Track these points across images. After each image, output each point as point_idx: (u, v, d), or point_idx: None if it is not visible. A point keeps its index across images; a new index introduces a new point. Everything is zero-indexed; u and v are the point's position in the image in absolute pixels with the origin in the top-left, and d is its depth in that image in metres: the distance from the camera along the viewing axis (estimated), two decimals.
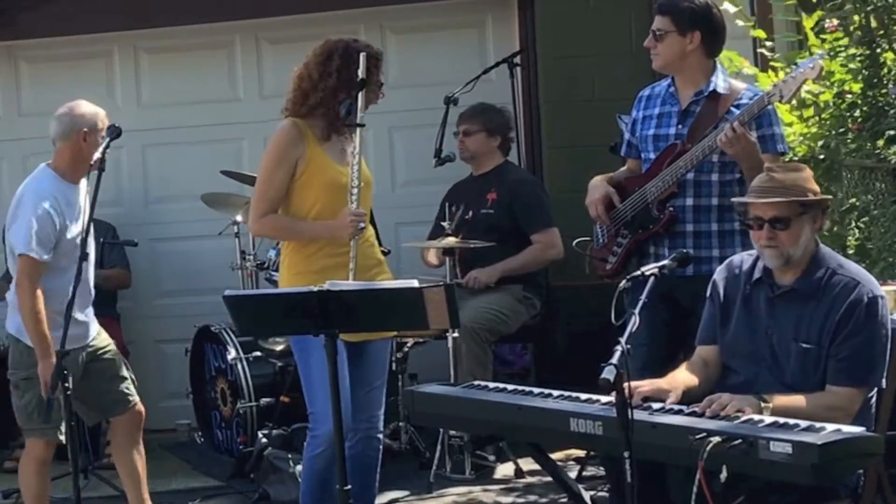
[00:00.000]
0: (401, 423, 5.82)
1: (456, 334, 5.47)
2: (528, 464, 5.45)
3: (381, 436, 4.46)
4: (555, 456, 4.17)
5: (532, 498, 5.32)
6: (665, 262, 3.67)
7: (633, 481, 3.15)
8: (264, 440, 5.54)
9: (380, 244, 4.63)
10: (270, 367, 5.95)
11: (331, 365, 3.76)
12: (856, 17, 5.33)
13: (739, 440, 3.10)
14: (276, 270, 5.24)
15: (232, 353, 5.94)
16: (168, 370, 6.86)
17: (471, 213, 5.96)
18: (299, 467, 4.85)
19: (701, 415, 3.37)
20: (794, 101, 5.13)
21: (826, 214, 3.73)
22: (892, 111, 5.15)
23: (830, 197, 3.72)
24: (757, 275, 3.73)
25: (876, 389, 3.61)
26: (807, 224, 3.60)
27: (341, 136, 4.38)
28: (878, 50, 5.26)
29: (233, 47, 7.02)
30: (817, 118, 5.46)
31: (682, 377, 3.70)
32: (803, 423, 3.19)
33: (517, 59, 6.57)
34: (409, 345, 5.82)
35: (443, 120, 6.20)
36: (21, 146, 7.06)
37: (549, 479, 4.78)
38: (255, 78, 6.97)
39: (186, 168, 6.92)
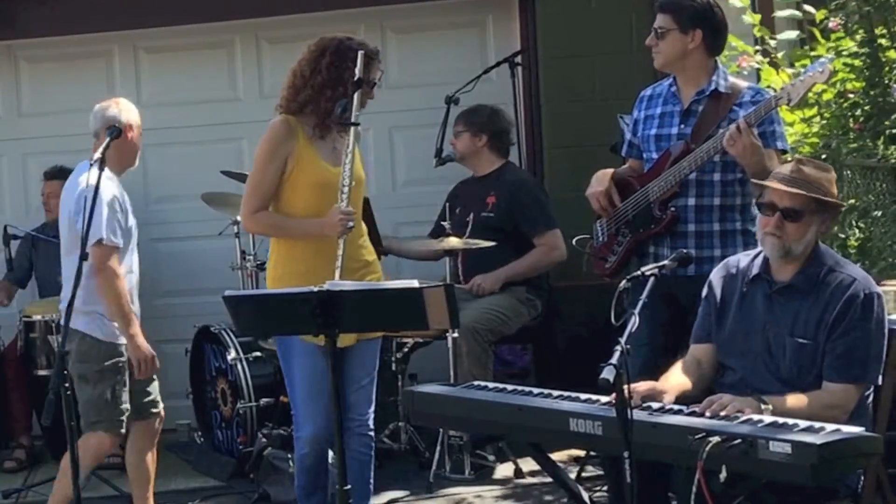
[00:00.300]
0: (401, 423, 5.82)
1: (456, 334, 5.46)
2: (527, 464, 5.44)
3: (372, 433, 4.48)
4: (555, 456, 4.16)
5: (532, 498, 5.32)
6: (665, 262, 3.67)
7: (632, 481, 3.15)
8: (264, 440, 5.54)
9: (379, 244, 4.62)
10: (270, 367, 5.94)
11: (332, 364, 3.76)
12: (857, 17, 5.32)
13: (739, 440, 3.10)
14: None
15: (232, 354, 5.94)
16: (168, 370, 6.82)
17: (471, 215, 5.95)
18: None
19: (701, 415, 3.37)
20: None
21: (835, 220, 3.74)
22: (893, 111, 5.14)
23: (845, 204, 3.71)
24: (755, 271, 3.74)
25: (872, 387, 3.61)
26: (815, 223, 3.62)
27: (333, 134, 4.37)
28: (880, 49, 5.25)
29: (233, 47, 7.02)
30: (819, 117, 5.46)
31: (676, 380, 3.71)
32: (803, 423, 3.19)
33: (518, 59, 6.57)
34: (409, 345, 5.82)
35: (443, 120, 6.20)
36: (21, 146, 7.06)
37: (549, 479, 4.78)
38: (254, 78, 6.97)
39: (186, 168, 6.92)
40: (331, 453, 5.17)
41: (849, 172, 5.22)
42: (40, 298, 6.59)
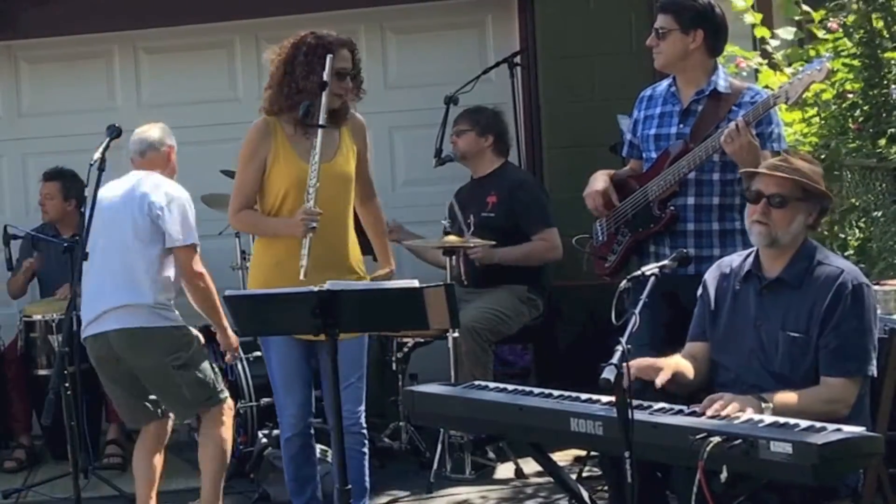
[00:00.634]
0: (401, 423, 5.82)
1: (456, 334, 5.46)
2: (528, 464, 5.44)
3: (364, 431, 4.51)
4: (555, 456, 4.16)
5: (532, 498, 5.32)
6: (665, 262, 3.68)
7: (633, 481, 3.16)
8: (264, 440, 5.53)
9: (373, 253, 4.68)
10: None
11: (331, 365, 3.76)
12: (857, 17, 5.32)
13: (740, 440, 3.10)
14: None
15: None
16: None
17: (472, 216, 5.95)
18: None
19: (701, 415, 3.37)
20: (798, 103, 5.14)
21: (825, 215, 3.75)
22: (893, 111, 5.14)
23: (832, 198, 3.72)
24: (747, 268, 3.75)
25: (869, 382, 3.61)
26: (802, 213, 3.63)
27: (318, 132, 4.39)
28: (879, 49, 5.25)
29: (233, 47, 7.02)
30: (818, 117, 5.46)
31: (674, 359, 3.72)
32: (803, 423, 3.19)
33: (517, 59, 6.58)
34: (409, 345, 5.82)
35: (443, 120, 6.20)
36: (21, 146, 7.08)
37: (550, 479, 4.79)
38: (254, 78, 6.96)
39: (186, 168, 6.88)
40: (330, 452, 5.22)
41: (848, 172, 5.22)
42: (41, 298, 6.60)
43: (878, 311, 3.70)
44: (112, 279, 4.91)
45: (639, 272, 3.59)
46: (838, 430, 3.14)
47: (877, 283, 4.40)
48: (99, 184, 4.75)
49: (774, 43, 5.75)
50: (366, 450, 4.53)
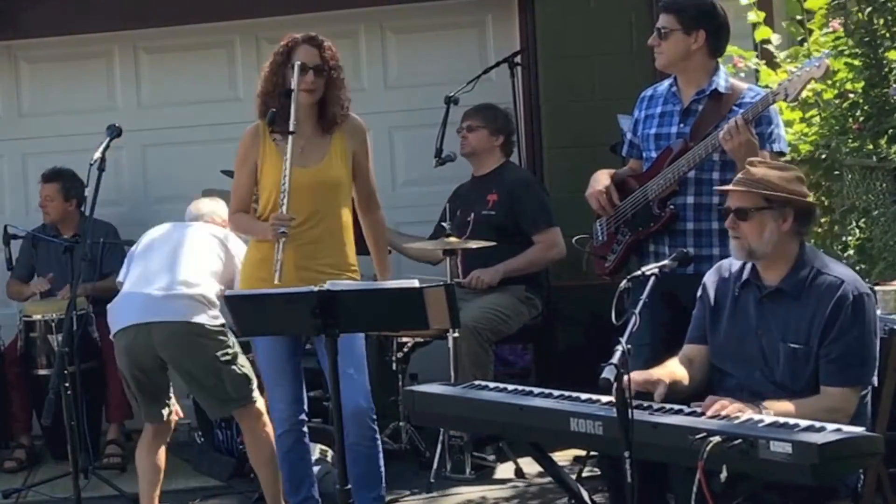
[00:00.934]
0: (401, 423, 5.81)
1: (456, 334, 5.46)
2: (528, 464, 5.44)
3: (374, 420, 4.50)
4: (555, 456, 4.16)
5: (532, 498, 5.32)
6: (665, 261, 3.68)
7: (633, 481, 3.15)
8: None
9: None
10: None
11: (331, 364, 3.76)
12: (858, 17, 5.32)
13: (739, 440, 3.10)
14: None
15: None
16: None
17: (472, 214, 5.95)
18: None
19: (701, 415, 3.37)
20: (797, 101, 5.13)
21: (810, 218, 3.70)
22: (893, 111, 5.14)
23: (808, 202, 3.67)
24: (745, 276, 3.74)
25: (870, 388, 3.61)
26: (770, 220, 3.60)
27: (306, 135, 4.46)
28: (881, 49, 5.25)
29: (233, 47, 7.02)
30: (819, 117, 5.46)
31: (669, 367, 3.72)
32: (803, 423, 3.19)
33: (518, 59, 6.57)
34: (409, 345, 5.82)
35: (443, 120, 6.19)
36: (21, 146, 7.07)
37: (550, 479, 4.78)
38: (254, 78, 6.84)
39: (186, 168, 6.92)
40: (330, 452, 5.23)
41: (849, 172, 5.21)
42: (41, 298, 6.59)
43: (879, 313, 3.68)
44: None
45: (639, 272, 3.59)
46: (838, 430, 3.14)
47: (877, 284, 4.40)
48: (99, 184, 4.75)
49: (776, 39, 5.74)
50: (372, 443, 4.51)
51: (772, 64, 5.72)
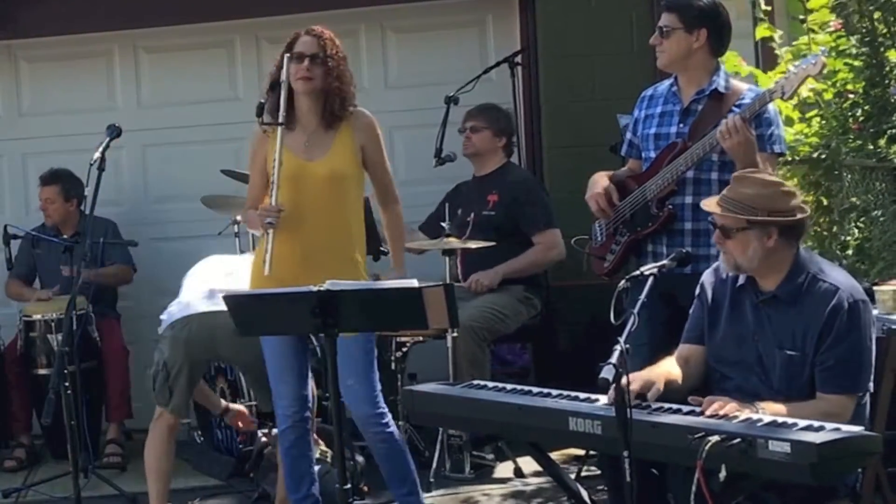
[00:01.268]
0: (400, 423, 5.80)
1: (455, 334, 5.46)
2: (527, 463, 5.45)
3: (382, 425, 4.50)
4: (554, 455, 4.16)
5: (531, 498, 5.32)
6: (664, 261, 3.68)
7: (632, 481, 3.16)
8: (264, 439, 5.53)
9: (380, 244, 4.64)
10: None
11: (332, 364, 3.77)
12: (858, 16, 5.33)
13: (738, 439, 3.10)
14: None
15: None
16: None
17: (472, 214, 5.95)
18: None
19: (700, 414, 3.37)
20: (797, 101, 5.14)
21: (800, 229, 3.66)
22: (893, 111, 5.14)
23: (785, 217, 3.57)
24: (741, 281, 3.73)
25: (867, 394, 3.61)
26: (753, 240, 3.57)
27: (310, 129, 4.48)
28: (881, 49, 5.25)
29: (233, 47, 7.02)
30: (819, 117, 5.46)
31: (664, 367, 3.72)
32: (802, 423, 3.19)
33: (518, 59, 6.57)
34: (408, 344, 5.82)
35: (443, 120, 6.19)
36: (21, 146, 7.07)
37: (549, 478, 4.79)
38: (254, 78, 6.96)
39: (186, 168, 6.92)
40: (330, 452, 5.22)
41: (848, 172, 5.22)
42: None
43: (876, 313, 3.68)
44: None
45: (637, 272, 3.59)
46: (837, 429, 3.14)
47: (876, 283, 4.41)
48: (99, 184, 4.75)
49: (779, 35, 5.73)
50: (390, 443, 4.54)
51: (775, 64, 5.70)
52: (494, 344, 5.89)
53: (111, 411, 6.32)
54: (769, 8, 5.73)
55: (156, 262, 6.94)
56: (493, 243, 5.69)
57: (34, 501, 5.72)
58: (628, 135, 4.76)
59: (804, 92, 5.22)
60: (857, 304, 3.53)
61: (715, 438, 3.11)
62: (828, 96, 5.43)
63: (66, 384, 4.58)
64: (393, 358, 5.80)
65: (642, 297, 3.44)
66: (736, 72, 5.40)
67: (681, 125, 4.47)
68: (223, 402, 5.43)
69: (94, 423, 6.07)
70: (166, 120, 6.97)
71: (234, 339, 4.68)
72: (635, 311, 3.35)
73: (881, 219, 4.96)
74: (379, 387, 4.55)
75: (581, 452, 5.26)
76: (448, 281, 5.44)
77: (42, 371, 6.18)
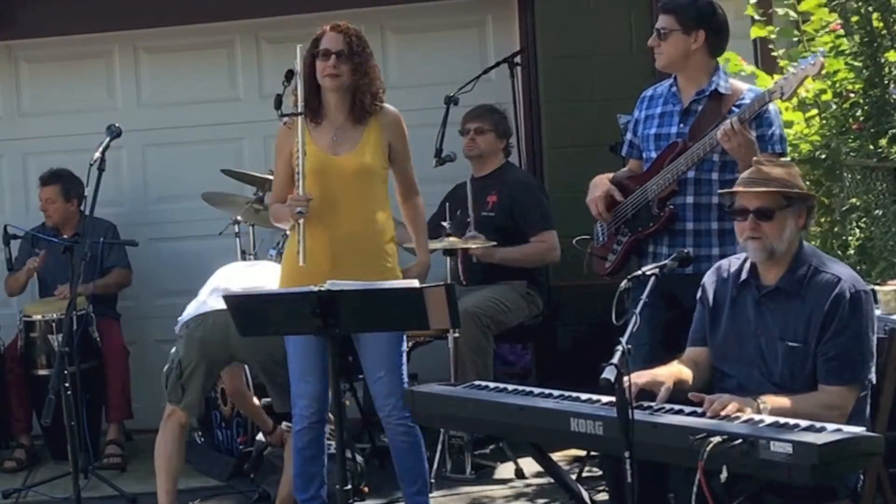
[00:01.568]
0: None
1: (457, 334, 5.46)
2: (528, 464, 5.44)
3: (403, 420, 4.51)
4: (555, 456, 4.16)
5: (532, 498, 5.32)
6: (666, 261, 3.68)
7: (633, 481, 3.15)
8: (264, 440, 5.53)
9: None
10: None
11: (332, 364, 3.77)
12: (857, 16, 5.32)
13: (740, 440, 3.10)
14: None
15: None
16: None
17: (472, 215, 5.95)
18: None
19: (701, 415, 3.37)
20: (797, 101, 5.12)
21: (812, 214, 3.73)
22: (893, 111, 5.14)
23: (814, 195, 3.70)
24: (743, 276, 3.74)
25: (869, 387, 3.61)
26: (790, 219, 3.61)
27: (338, 124, 4.49)
28: (881, 49, 5.25)
29: (233, 47, 7.02)
30: (819, 117, 5.46)
31: (673, 367, 3.72)
32: (804, 423, 3.19)
33: (517, 59, 6.57)
34: (409, 345, 5.81)
35: (443, 120, 6.19)
36: (21, 146, 7.07)
37: (550, 479, 4.78)
38: (254, 78, 6.97)
39: (186, 168, 6.92)
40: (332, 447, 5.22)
41: (849, 172, 5.21)
42: (40, 298, 6.60)
43: (878, 313, 3.68)
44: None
45: (639, 272, 3.59)
46: (838, 430, 3.14)
47: (877, 283, 4.40)
48: (99, 184, 4.75)
49: (772, 29, 5.73)
50: (412, 439, 4.57)
51: (770, 63, 5.70)
52: (497, 342, 5.88)
53: (111, 412, 6.32)
54: (763, 11, 5.72)
55: (156, 262, 6.95)
56: (493, 243, 5.69)
57: (34, 502, 5.72)
58: (628, 135, 4.76)
59: (803, 92, 5.22)
60: (859, 294, 3.54)
61: (716, 439, 3.11)
62: (827, 97, 5.43)
63: (66, 385, 4.57)
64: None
65: (644, 297, 3.44)
66: (740, 70, 5.41)
67: (681, 125, 4.47)
68: (270, 420, 5.38)
69: (94, 424, 6.07)
70: (166, 120, 6.97)
71: (248, 338, 4.69)
72: (637, 311, 3.35)
73: (882, 219, 4.96)
74: (406, 380, 4.55)
75: (582, 453, 5.26)
76: (449, 281, 5.44)
77: (42, 371, 6.17)
